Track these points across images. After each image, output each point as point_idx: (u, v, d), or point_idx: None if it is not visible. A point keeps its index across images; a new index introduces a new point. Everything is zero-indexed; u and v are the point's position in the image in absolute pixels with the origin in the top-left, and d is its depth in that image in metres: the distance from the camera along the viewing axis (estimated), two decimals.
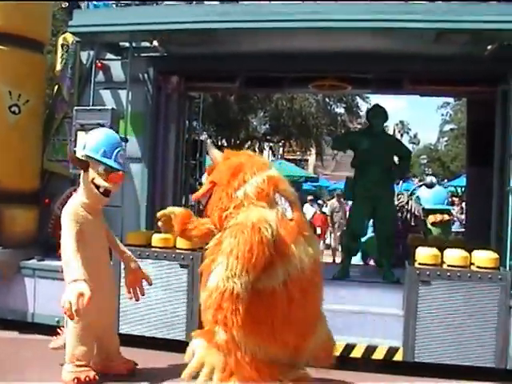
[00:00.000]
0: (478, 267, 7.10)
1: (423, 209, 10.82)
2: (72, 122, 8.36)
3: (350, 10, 7.41)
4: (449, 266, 7.16)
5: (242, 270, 4.78)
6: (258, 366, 5.05)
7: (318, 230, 17.49)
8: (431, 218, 10.18)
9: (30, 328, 8.09)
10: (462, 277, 7.01)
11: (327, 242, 19.68)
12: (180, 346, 5.73)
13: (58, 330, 6.89)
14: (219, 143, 35.59)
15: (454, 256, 7.20)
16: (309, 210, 19.10)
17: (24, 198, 8.83)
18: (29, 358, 7.11)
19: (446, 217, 10.34)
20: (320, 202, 20.79)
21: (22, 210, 8.80)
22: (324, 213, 18.82)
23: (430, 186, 11.80)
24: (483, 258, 7.14)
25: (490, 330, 6.94)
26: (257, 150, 37.61)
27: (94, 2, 8.63)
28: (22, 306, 8.37)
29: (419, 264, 7.24)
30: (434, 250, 7.32)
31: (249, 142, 38.30)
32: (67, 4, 8.58)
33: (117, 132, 8.19)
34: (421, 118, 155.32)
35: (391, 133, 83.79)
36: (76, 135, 8.19)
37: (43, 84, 9.45)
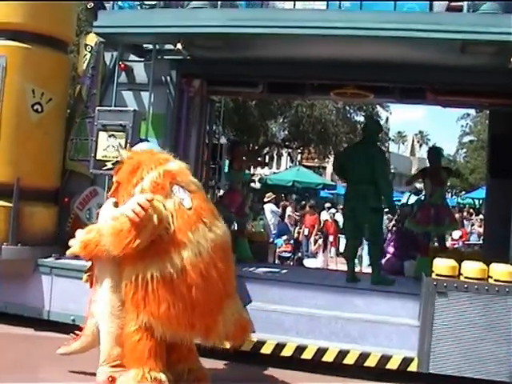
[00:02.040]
0: (496, 280, 7.05)
1: None
2: (94, 122, 8.39)
3: (374, 19, 7.37)
4: (466, 278, 7.12)
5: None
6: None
7: (330, 238, 17.47)
8: None
9: (45, 325, 8.12)
10: (479, 289, 6.97)
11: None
12: None
13: (73, 334, 6.76)
14: None
15: (471, 268, 7.16)
16: (325, 216, 19.09)
17: (44, 196, 8.86)
18: (43, 355, 7.10)
19: None
20: (333, 209, 20.73)
21: (42, 207, 8.82)
22: (336, 220, 18.78)
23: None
24: (501, 271, 7.09)
25: (505, 344, 6.88)
26: (275, 155, 37.60)
27: (119, 3, 8.65)
28: (38, 304, 8.41)
29: (436, 275, 7.21)
30: (452, 262, 7.28)
31: (267, 148, 38.34)
32: (92, 5, 8.59)
33: (138, 133, 8.25)
34: (440, 129, 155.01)
35: (410, 143, 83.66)
36: (98, 135, 8.22)
37: (66, 83, 9.48)
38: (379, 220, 9.49)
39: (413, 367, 7.09)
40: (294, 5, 7.98)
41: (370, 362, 7.20)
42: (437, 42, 7.30)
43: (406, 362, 7.14)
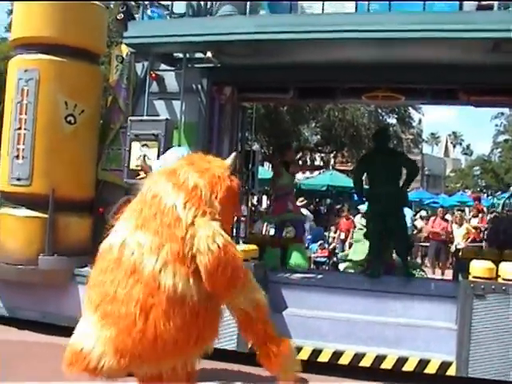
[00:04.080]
0: None
1: None
2: (127, 132, 8.44)
3: (403, 20, 7.33)
4: (504, 279, 7.03)
5: None
6: None
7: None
8: None
9: None
10: None
11: None
12: None
13: None
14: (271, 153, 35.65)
15: (509, 269, 7.07)
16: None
17: (78, 207, 8.95)
18: None
19: None
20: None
21: (76, 218, 8.90)
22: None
23: None
24: None
25: None
26: (308, 160, 37.55)
27: (149, 14, 8.70)
28: (75, 313, 8.43)
29: (473, 277, 7.13)
30: (489, 263, 7.21)
31: (300, 153, 38.27)
32: (122, 16, 8.66)
33: (170, 142, 8.27)
34: (474, 129, 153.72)
35: (443, 144, 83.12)
36: (131, 145, 8.27)
37: (98, 95, 9.56)
38: (405, 218, 9.88)
39: (451, 371, 7.01)
40: (323, 9, 7.95)
41: (408, 367, 7.14)
42: (468, 42, 7.24)
43: (445, 366, 7.06)
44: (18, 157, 8.72)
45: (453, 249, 17.93)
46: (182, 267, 4.35)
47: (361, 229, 11.59)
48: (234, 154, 5.11)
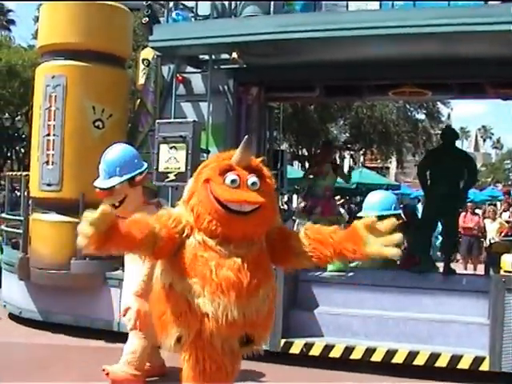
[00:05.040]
0: None
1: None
2: (155, 135, 8.49)
3: (429, 15, 7.29)
4: None
5: None
6: None
7: None
8: None
9: (115, 337, 8.24)
10: None
11: None
12: None
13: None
14: (300, 152, 35.64)
15: None
16: None
17: None
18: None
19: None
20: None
21: None
22: None
23: None
24: None
25: None
26: (337, 158, 37.49)
27: (174, 17, 8.75)
28: (107, 316, 8.54)
29: (505, 271, 7.09)
30: None
31: None
32: (147, 19, 8.71)
33: (198, 144, 8.30)
34: (503, 122, 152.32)
35: (473, 138, 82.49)
36: (159, 148, 8.31)
37: (126, 98, 9.62)
38: (458, 218, 10.15)
39: (484, 366, 6.96)
40: (347, 6, 7.95)
41: (441, 363, 7.10)
42: (494, 35, 7.17)
43: (478, 361, 7.01)
44: (47, 162, 8.81)
45: (486, 243, 17.84)
46: None
47: None
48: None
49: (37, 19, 28.03)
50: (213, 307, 3.78)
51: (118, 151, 6.60)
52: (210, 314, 3.78)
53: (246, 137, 4.15)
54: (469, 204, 20.17)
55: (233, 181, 3.80)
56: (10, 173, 16.28)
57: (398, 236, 3.81)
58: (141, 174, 6.50)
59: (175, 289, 3.83)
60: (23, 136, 39.73)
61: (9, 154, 46.21)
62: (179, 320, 3.83)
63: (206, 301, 3.77)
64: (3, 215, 11.06)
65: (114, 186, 6.35)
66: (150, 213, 6.58)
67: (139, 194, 6.59)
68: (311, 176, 10.34)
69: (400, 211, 10.24)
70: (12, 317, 9.58)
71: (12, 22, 53.53)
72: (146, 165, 6.65)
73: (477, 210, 20.50)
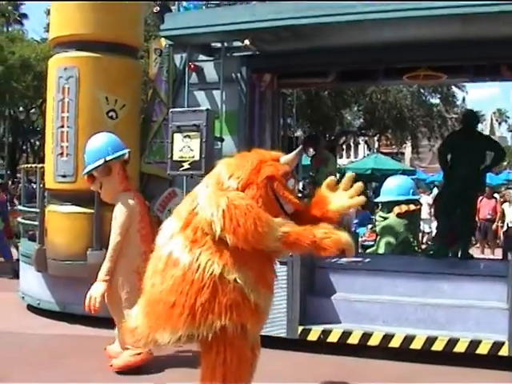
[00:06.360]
0: None
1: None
2: (168, 124, 8.47)
3: None
4: None
5: None
6: None
7: None
8: (396, 209, 9.86)
9: None
10: None
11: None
12: None
13: None
14: None
15: None
16: None
17: None
18: None
19: (412, 207, 10.02)
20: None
21: None
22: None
23: None
24: None
25: None
26: (352, 144, 37.41)
27: (185, 5, 8.72)
28: None
29: None
30: None
31: (344, 137, 38.09)
32: (158, 9, 8.69)
33: (212, 132, 8.28)
34: None
35: (488, 121, 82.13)
36: (173, 137, 8.29)
37: (138, 88, 9.62)
38: (476, 202, 10.16)
39: (504, 351, 6.90)
40: None
41: (459, 348, 7.05)
42: (509, 16, 7.09)
43: (497, 346, 6.95)
44: (62, 154, 8.82)
45: (505, 227, 17.79)
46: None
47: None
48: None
49: (48, 12, 28.05)
50: (263, 300, 3.90)
51: (92, 140, 6.94)
52: (261, 307, 3.90)
53: (300, 147, 4.55)
54: (487, 188, 20.06)
55: (292, 185, 4.19)
56: (26, 165, 16.36)
57: (359, 185, 4.29)
58: (116, 159, 6.74)
59: (227, 278, 3.90)
60: (38, 129, 39.96)
61: (24, 147, 46.48)
62: (230, 310, 3.88)
63: (259, 294, 3.89)
64: (20, 207, 11.10)
65: (88, 173, 6.73)
66: (124, 201, 6.79)
67: (114, 181, 6.79)
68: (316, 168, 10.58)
69: (418, 196, 10.17)
70: (30, 308, 9.65)
71: (25, 15, 53.60)
72: (120, 152, 6.79)
73: (495, 195, 20.39)
